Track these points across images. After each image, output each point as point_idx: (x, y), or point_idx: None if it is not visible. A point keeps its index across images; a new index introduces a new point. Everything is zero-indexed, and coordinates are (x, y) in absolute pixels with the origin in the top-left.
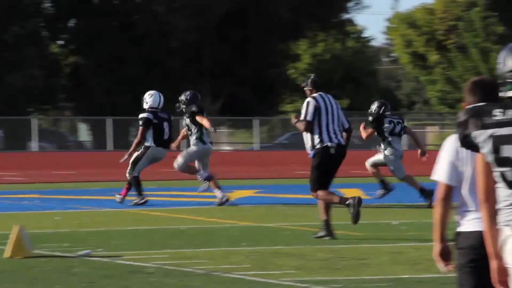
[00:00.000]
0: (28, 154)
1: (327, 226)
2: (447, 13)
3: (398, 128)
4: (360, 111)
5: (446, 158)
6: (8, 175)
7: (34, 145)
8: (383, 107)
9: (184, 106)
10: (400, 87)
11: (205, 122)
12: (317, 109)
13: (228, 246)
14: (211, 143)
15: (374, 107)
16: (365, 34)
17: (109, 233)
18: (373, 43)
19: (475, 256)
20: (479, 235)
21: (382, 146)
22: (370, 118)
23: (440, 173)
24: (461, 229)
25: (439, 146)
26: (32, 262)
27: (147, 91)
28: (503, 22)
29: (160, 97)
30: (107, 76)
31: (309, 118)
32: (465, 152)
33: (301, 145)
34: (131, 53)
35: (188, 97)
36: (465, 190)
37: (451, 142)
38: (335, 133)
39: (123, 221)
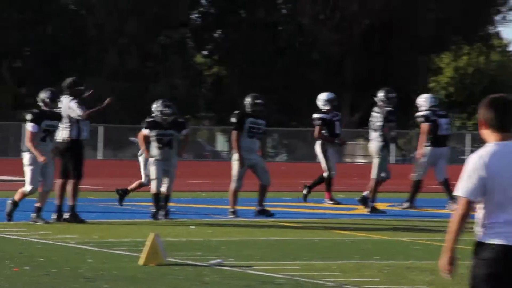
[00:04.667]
0: None
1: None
2: None
3: None
4: None
5: (471, 174)
6: None
7: None
8: None
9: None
10: None
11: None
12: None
13: (360, 259)
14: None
15: None
16: (511, 47)
17: (241, 243)
18: None
19: (496, 269)
20: (503, 248)
21: None
22: None
23: (463, 189)
24: (485, 240)
25: None
26: (165, 270)
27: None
28: None
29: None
30: (250, 86)
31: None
32: (494, 166)
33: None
34: (274, 64)
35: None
36: (492, 204)
37: (477, 158)
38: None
39: (255, 231)
